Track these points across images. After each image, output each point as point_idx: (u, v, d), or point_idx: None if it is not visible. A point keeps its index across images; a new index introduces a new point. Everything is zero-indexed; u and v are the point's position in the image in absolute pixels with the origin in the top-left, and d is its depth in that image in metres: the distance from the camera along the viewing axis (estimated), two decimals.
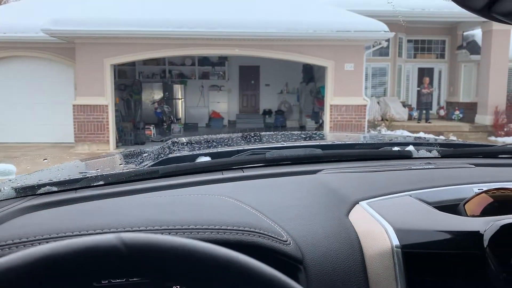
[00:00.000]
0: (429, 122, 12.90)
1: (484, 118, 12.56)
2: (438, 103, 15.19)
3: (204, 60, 14.29)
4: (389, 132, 10.56)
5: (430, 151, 1.29)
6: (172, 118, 13.22)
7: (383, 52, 13.39)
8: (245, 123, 13.76)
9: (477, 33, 13.82)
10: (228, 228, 0.71)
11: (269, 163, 1.20)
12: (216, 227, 0.71)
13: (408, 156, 1.28)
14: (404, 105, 14.08)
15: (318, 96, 12.28)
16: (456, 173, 1.10)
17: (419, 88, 13.84)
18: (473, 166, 1.17)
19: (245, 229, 0.71)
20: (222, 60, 14.32)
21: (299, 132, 1.94)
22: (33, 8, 10.92)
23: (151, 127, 11.76)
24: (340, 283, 0.72)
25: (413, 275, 0.71)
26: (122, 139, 10.56)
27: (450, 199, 0.90)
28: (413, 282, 0.71)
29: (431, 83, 13.99)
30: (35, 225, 0.72)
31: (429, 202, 0.87)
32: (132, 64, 13.11)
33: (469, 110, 13.81)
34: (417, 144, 1.34)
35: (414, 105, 14.46)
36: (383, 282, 0.72)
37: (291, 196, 0.96)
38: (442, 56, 15.10)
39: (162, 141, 9.84)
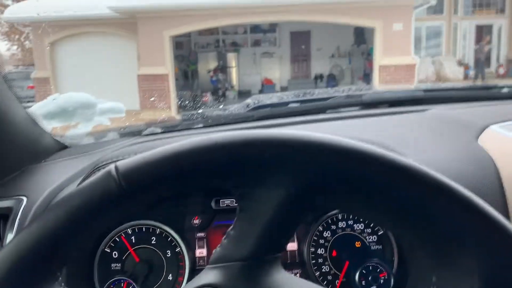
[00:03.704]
0: (484, 80, 12.57)
1: None
2: (498, 61, 14.61)
3: (255, 28, 14.61)
4: None
5: None
6: (227, 86, 13.88)
7: (437, 9, 13.04)
8: (296, 88, 14.04)
9: None
10: None
11: (366, 106, 1.14)
12: None
13: None
14: (460, 63, 13.73)
15: (369, 58, 12.34)
16: None
17: (476, 47, 13.43)
18: None
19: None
20: (273, 27, 14.57)
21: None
22: None
23: (208, 94, 12.50)
24: None
25: None
26: (182, 106, 11.37)
27: None
28: None
29: (489, 40, 13.50)
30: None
31: None
32: (188, 35, 13.75)
33: None
34: None
35: (471, 63, 14.04)
36: None
37: (404, 129, 0.91)
38: (502, 11, 14.39)
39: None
